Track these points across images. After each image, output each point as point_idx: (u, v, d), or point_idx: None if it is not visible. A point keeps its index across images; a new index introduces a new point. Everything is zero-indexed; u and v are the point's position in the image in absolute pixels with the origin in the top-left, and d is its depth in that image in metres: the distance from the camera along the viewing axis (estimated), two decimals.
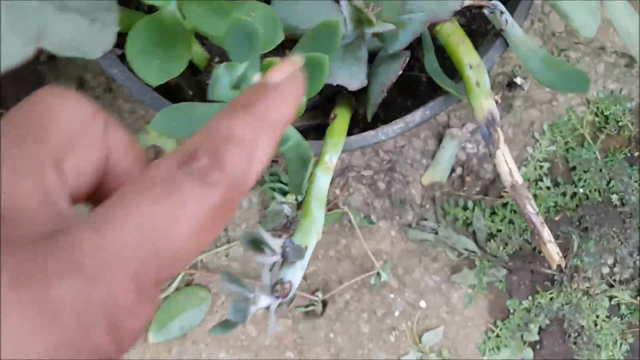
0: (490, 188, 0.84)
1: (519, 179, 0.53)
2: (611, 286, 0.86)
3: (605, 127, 0.85)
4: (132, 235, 0.18)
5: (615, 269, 0.86)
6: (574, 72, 0.53)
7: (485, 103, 0.53)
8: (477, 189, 0.83)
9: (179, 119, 0.45)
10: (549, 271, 0.84)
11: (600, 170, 0.85)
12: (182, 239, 0.18)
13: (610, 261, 0.86)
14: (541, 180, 0.84)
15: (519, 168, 0.84)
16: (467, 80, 0.53)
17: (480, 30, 0.63)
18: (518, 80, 0.83)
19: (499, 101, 0.83)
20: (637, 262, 0.86)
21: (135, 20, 0.50)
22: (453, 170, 0.83)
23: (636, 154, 0.86)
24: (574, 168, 0.84)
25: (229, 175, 0.19)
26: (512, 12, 0.58)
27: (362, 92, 0.58)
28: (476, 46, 0.61)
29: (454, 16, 0.63)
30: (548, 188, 0.84)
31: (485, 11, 0.57)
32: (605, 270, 0.86)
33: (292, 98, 0.22)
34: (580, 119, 0.85)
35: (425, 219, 0.83)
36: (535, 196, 0.83)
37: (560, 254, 0.53)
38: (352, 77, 0.55)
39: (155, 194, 0.18)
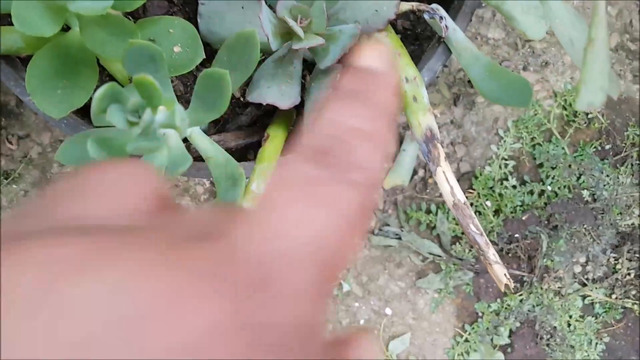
0: None
1: (461, 198, 0.50)
2: (584, 285, 0.83)
3: (574, 121, 0.82)
4: (302, 243, 0.16)
5: (588, 267, 0.83)
6: (518, 81, 0.50)
7: (423, 119, 0.49)
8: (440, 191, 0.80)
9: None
10: (518, 272, 0.82)
11: (570, 165, 0.81)
12: (343, 244, 0.17)
13: (582, 260, 0.83)
14: (506, 179, 0.80)
15: (483, 167, 0.80)
16: (403, 95, 0.50)
17: (425, 33, 0.59)
18: None
19: (461, 98, 0.80)
20: (611, 259, 0.83)
21: (43, 43, 0.47)
22: (415, 172, 0.80)
23: (607, 146, 0.83)
24: (541, 165, 0.81)
25: (367, 174, 0.17)
26: (454, 16, 0.54)
27: (303, 105, 0.55)
28: (422, 52, 0.58)
29: (397, 20, 0.60)
30: (514, 187, 0.80)
31: (425, 16, 0.53)
32: (578, 269, 0.83)
33: (396, 87, 0.20)
34: (547, 113, 0.81)
35: (388, 225, 0.80)
36: (500, 196, 0.80)
37: (508, 276, 0.50)
38: (282, 95, 0.51)
39: (296, 196, 0.17)
